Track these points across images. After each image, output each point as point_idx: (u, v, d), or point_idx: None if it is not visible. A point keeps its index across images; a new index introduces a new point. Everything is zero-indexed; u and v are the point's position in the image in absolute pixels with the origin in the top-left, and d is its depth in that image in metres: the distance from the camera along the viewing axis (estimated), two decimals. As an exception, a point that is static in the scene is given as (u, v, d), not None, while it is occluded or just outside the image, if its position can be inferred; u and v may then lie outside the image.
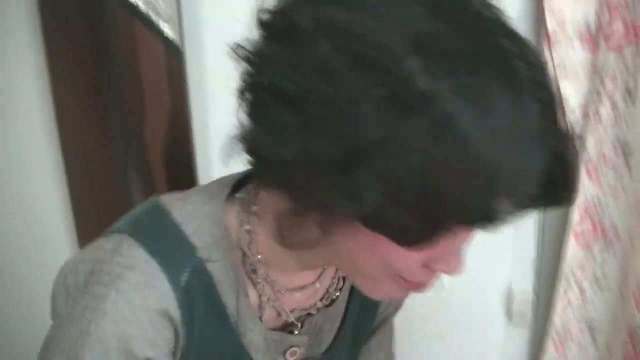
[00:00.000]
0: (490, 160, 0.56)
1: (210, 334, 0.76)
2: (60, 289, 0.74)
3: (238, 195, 0.78)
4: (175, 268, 0.72)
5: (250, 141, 0.65)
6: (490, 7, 0.61)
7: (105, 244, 0.74)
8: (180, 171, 1.52)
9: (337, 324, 0.90)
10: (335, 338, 0.90)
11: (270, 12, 0.66)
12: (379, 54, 0.57)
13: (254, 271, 0.78)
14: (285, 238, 0.72)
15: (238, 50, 0.67)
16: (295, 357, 0.85)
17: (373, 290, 0.74)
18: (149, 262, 0.71)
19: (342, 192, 0.59)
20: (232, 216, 0.77)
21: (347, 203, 0.60)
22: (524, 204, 0.61)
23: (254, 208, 0.77)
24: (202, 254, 0.74)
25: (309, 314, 0.85)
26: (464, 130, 0.55)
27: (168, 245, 0.73)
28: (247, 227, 0.77)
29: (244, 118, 0.66)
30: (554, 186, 0.62)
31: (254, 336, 0.80)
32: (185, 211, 0.76)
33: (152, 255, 0.71)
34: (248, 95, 0.66)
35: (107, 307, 0.69)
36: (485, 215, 0.59)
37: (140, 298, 0.70)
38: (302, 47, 0.61)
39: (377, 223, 0.61)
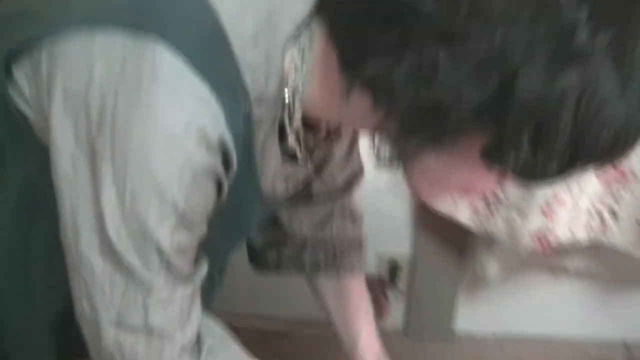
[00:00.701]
0: (621, 121, 0.60)
1: (237, 170, 0.73)
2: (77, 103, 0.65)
3: (298, 36, 0.72)
4: (233, 116, 0.68)
5: (385, 76, 0.62)
6: None
7: (147, 59, 0.64)
8: None
9: (331, 155, 0.93)
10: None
11: None
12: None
13: (290, 116, 0.75)
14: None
15: None
16: (292, 183, 0.86)
17: (428, 193, 0.78)
18: (215, 108, 0.66)
19: (488, 139, 0.62)
20: (287, 58, 0.72)
21: (488, 150, 0.62)
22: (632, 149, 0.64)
23: (308, 56, 0.72)
24: (253, 97, 0.70)
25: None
26: (606, 92, 0.58)
27: (229, 89, 0.67)
28: (300, 79, 0.72)
29: (366, 37, 0.64)
30: None
31: (268, 167, 0.78)
32: (245, 34, 0.69)
33: (217, 98, 0.65)
34: (380, 19, 0.62)
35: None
36: (607, 161, 0.64)
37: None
38: None
39: (505, 161, 0.63)
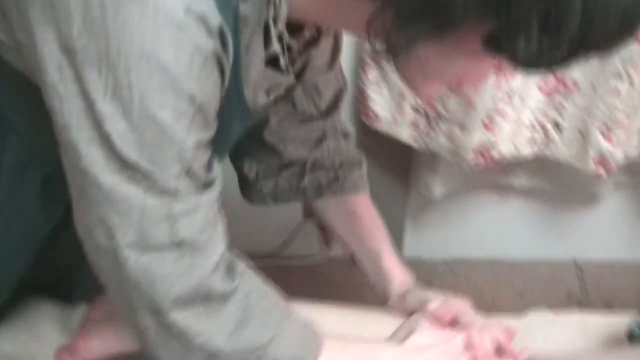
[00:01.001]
0: (628, 2, 0.59)
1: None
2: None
3: None
4: (224, 8, 0.63)
5: None
6: None
7: None
8: None
9: (310, 61, 0.91)
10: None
11: None
12: None
13: (274, 17, 0.72)
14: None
15: None
16: (274, 94, 0.82)
17: (423, 86, 0.74)
18: None
19: (493, 26, 0.60)
20: None
21: (494, 38, 0.61)
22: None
23: None
24: None
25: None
26: None
27: None
28: None
29: None
30: None
31: (253, 67, 0.74)
32: None
33: None
34: None
35: None
36: (613, 45, 0.63)
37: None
38: None
39: (514, 49, 0.61)
